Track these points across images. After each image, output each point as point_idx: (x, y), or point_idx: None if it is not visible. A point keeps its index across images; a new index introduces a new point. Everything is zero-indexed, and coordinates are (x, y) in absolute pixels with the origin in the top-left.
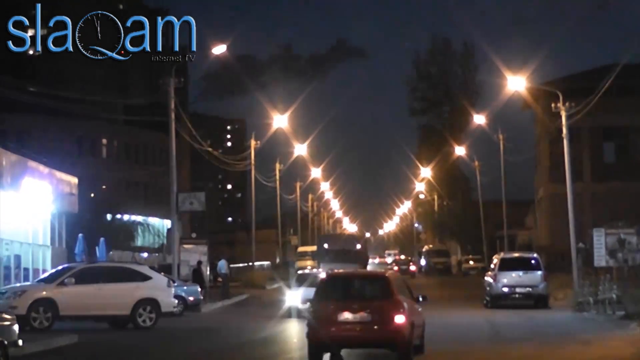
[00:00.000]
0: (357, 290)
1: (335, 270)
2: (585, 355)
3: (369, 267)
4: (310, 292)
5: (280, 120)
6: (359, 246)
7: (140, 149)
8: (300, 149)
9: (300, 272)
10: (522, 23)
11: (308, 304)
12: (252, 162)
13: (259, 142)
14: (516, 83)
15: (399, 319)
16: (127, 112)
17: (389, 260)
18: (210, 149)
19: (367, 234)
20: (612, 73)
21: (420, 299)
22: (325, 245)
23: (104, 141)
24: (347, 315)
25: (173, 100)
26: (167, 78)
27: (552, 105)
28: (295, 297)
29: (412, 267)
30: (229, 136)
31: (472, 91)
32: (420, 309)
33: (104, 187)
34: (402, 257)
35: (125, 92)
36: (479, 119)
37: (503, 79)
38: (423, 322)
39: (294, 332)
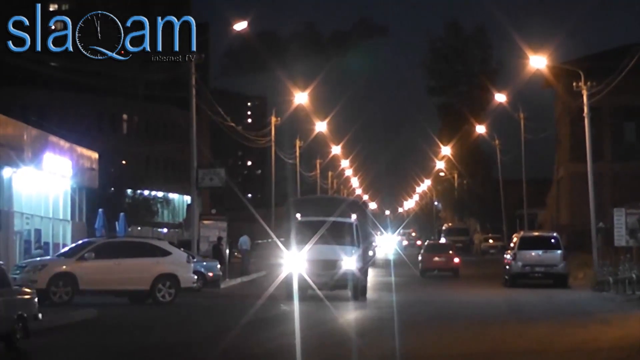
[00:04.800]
0: (439, 248)
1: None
2: (604, 335)
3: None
4: None
5: (301, 98)
6: (354, 217)
7: (161, 125)
8: (321, 126)
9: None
10: (544, 1)
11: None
12: (273, 138)
13: (279, 118)
14: (537, 62)
15: (456, 260)
16: (148, 87)
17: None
18: (233, 124)
19: (387, 212)
20: (635, 52)
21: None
22: (298, 216)
23: (125, 117)
24: (436, 258)
25: (194, 76)
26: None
27: (574, 84)
28: None
29: (418, 242)
30: (249, 113)
31: (491, 70)
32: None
33: (124, 162)
34: (413, 234)
35: (146, 68)
36: (500, 98)
37: (523, 58)
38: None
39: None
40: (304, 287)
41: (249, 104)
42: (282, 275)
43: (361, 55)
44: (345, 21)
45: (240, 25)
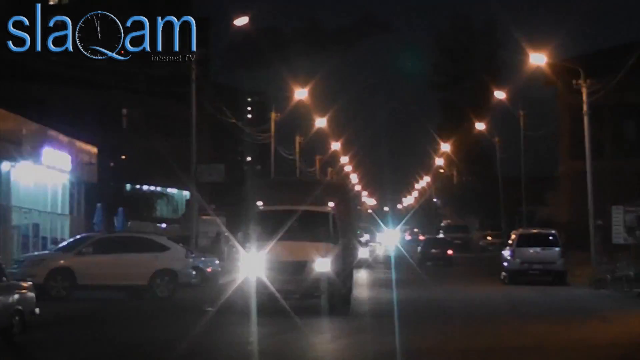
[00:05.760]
0: (436, 242)
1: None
2: (603, 332)
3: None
4: None
5: (301, 93)
6: (331, 205)
7: (161, 120)
8: (321, 122)
9: None
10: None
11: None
12: (272, 134)
13: (279, 114)
14: (538, 59)
15: (450, 252)
16: (149, 82)
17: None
18: (234, 120)
19: (386, 208)
20: (636, 50)
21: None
22: (259, 204)
23: (125, 111)
24: (433, 250)
25: (194, 72)
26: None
27: (574, 82)
28: None
29: (421, 237)
30: (249, 108)
31: (495, 67)
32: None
33: (123, 157)
34: (415, 230)
35: (147, 62)
36: (499, 95)
37: (525, 55)
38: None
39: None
40: (266, 296)
41: (249, 99)
42: (238, 281)
43: (362, 50)
44: (349, 17)
45: (242, 21)
